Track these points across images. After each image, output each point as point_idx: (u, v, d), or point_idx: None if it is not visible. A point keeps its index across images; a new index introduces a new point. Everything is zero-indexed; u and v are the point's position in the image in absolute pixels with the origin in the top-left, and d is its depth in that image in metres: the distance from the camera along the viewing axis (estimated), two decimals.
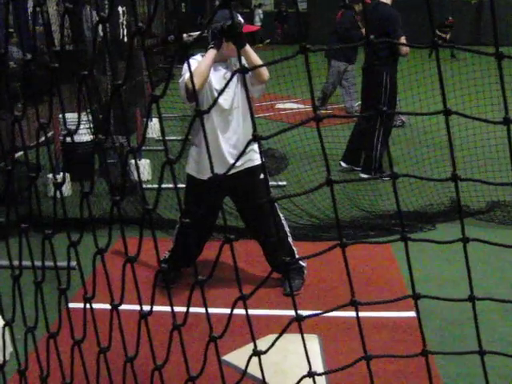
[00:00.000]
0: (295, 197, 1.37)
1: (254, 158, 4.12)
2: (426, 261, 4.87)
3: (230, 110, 4.02)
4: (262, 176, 4.16)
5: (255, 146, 4.09)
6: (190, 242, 4.34)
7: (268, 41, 27.34)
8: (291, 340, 2.49)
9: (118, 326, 1.55)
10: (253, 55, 3.87)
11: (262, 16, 30.42)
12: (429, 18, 1.12)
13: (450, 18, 22.62)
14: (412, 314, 3.87)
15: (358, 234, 5.41)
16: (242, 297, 1.30)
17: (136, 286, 1.48)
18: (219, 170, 1.19)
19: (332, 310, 1.33)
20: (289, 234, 4.36)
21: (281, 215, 4.37)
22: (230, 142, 4.05)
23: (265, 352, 1.36)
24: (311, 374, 1.33)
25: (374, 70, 7.11)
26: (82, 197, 1.39)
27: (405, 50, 6.91)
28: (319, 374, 1.35)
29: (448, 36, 22.21)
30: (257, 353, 1.33)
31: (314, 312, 1.36)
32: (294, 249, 4.34)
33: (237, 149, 4.03)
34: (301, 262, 4.42)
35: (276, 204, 4.34)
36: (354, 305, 1.29)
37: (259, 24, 30.30)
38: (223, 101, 3.96)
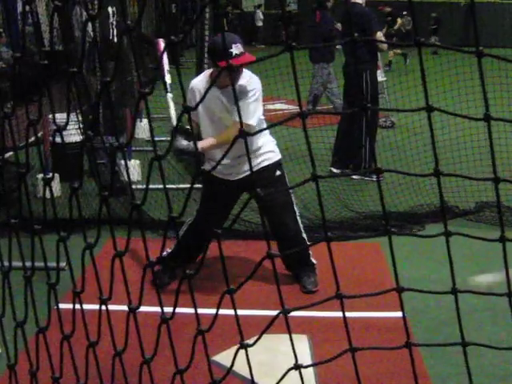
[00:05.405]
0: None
1: (269, 157, 4.26)
2: (416, 262, 4.88)
3: (217, 120, 4.14)
4: (278, 173, 4.27)
5: (271, 146, 4.29)
6: (195, 242, 4.31)
7: (263, 46, 27.58)
8: (282, 340, 2.49)
9: (108, 322, 1.55)
10: (212, 146, 4.02)
11: (261, 17, 30.55)
12: (412, 19, 1.13)
13: (381, 7, 18.97)
14: (401, 314, 3.87)
15: (348, 235, 5.41)
16: (229, 291, 1.30)
17: (125, 281, 1.48)
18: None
19: (318, 304, 1.34)
20: (302, 231, 4.41)
21: (297, 211, 4.42)
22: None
23: (252, 345, 1.37)
24: (297, 367, 1.33)
25: (355, 68, 7.11)
26: (72, 192, 1.38)
27: (383, 45, 6.93)
28: (305, 367, 1.35)
29: (399, 25, 19.48)
30: (243, 345, 1.33)
31: (301, 306, 1.37)
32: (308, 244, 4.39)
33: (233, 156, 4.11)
34: (313, 260, 4.47)
35: (293, 200, 4.39)
36: (339, 298, 1.30)
37: (261, 24, 30.48)
38: (211, 113, 4.12)
